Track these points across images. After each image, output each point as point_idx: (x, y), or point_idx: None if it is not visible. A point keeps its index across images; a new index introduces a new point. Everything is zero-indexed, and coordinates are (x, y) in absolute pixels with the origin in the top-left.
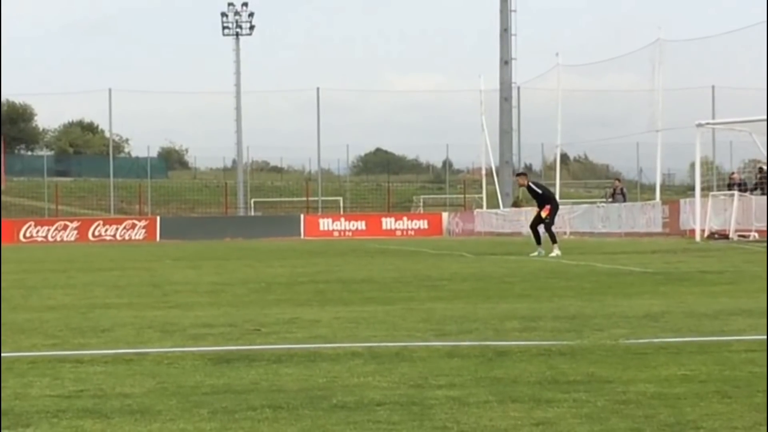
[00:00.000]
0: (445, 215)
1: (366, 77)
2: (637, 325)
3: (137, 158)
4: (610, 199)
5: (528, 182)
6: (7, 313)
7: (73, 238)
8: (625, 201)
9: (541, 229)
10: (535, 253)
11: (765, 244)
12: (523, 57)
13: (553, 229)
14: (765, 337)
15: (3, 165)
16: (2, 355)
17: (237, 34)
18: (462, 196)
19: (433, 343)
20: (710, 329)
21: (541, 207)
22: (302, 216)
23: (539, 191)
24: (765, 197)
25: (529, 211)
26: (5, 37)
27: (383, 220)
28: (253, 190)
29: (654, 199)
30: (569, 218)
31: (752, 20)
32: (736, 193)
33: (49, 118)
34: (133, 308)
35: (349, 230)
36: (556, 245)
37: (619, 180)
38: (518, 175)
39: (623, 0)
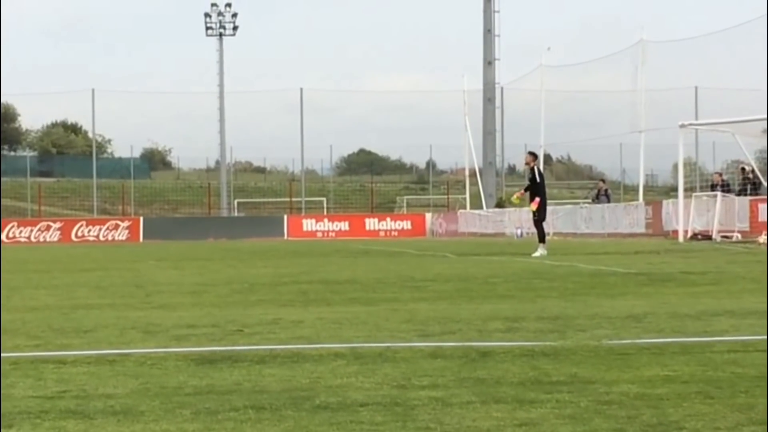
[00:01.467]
0: (428, 216)
1: (348, 78)
2: (620, 325)
3: (120, 159)
4: (595, 200)
5: (535, 165)
6: None
7: (56, 239)
8: (609, 202)
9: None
10: (538, 253)
11: (748, 245)
12: (506, 57)
13: (533, 229)
14: (748, 337)
15: None
16: None
17: (220, 35)
18: (445, 196)
19: (417, 344)
20: (693, 330)
21: (531, 198)
22: (285, 216)
23: (539, 180)
24: (748, 198)
25: (513, 212)
26: None
27: (367, 220)
28: (237, 191)
29: (637, 199)
30: (553, 219)
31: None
32: (719, 193)
33: (31, 118)
34: (116, 309)
35: (333, 231)
36: (543, 244)
37: (603, 181)
38: (529, 153)
39: (606, 1)
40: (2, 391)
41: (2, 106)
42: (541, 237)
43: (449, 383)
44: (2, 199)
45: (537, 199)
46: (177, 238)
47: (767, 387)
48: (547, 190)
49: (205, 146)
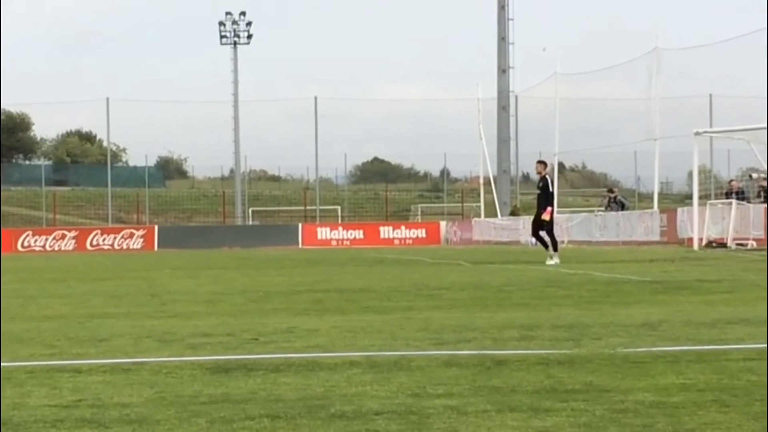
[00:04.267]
0: (443, 224)
1: (361, 86)
2: (635, 333)
3: (135, 167)
4: (607, 209)
5: (546, 173)
6: (5, 322)
7: (71, 248)
8: (624, 209)
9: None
10: (553, 261)
11: (764, 253)
12: (519, 65)
13: (548, 237)
14: (764, 345)
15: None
16: (0, 364)
17: (235, 43)
18: (460, 204)
19: (431, 352)
20: (708, 338)
21: (542, 207)
22: (300, 225)
23: (550, 189)
24: (763, 206)
25: (527, 220)
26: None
27: (381, 229)
28: (251, 200)
29: (652, 207)
30: (567, 227)
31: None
32: (734, 201)
33: (46, 127)
34: (131, 318)
35: (347, 239)
36: (556, 253)
37: (611, 190)
38: (539, 162)
39: (620, 9)
40: (18, 400)
41: (16, 115)
42: (555, 245)
43: (464, 392)
44: (17, 209)
45: (549, 209)
46: (192, 246)
47: (767, 391)
48: (560, 200)
49: (220, 155)
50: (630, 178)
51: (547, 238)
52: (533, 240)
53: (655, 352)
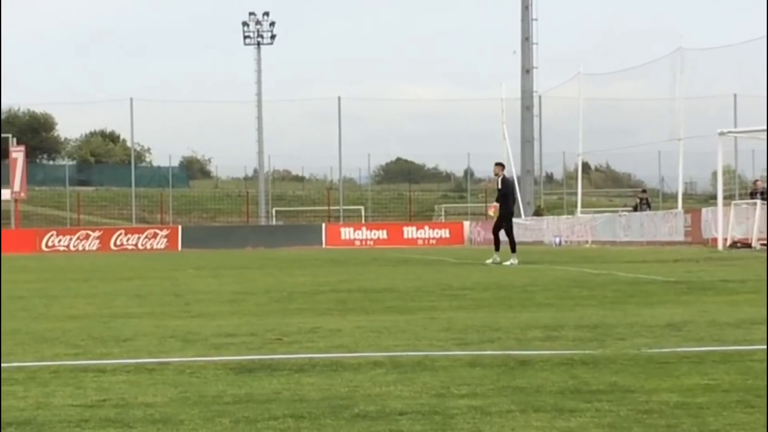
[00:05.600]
0: (466, 224)
1: (384, 86)
2: (659, 334)
3: (159, 167)
4: (639, 209)
5: (502, 174)
6: (29, 322)
7: (94, 248)
8: (649, 209)
9: (502, 234)
10: (489, 260)
11: None
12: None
13: (573, 237)
14: None
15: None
16: (24, 364)
17: (258, 44)
18: (483, 204)
19: (455, 353)
20: (733, 338)
21: (504, 207)
22: (324, 225)
23: (500, 187)
24: None
25: (551, 221)
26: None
27: (405, 229)
28: (275, 200)
29: (676, 207)
30: (591, 227)
31: None
32: (758, 201)
33: (70, 127)
34: (154, 317)
35: (371, 239)
36: (514, 254)
37: (644, 191)
38: (497, 164)
39: (644, 9)
40: (42, 400)
41: (40, 115)
42: (513, 245)
43: (488, 392)
44: (42, 209)
45: (496, 205)
46: (215, 246)
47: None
48: (584, 200)
49: (243, 155)
50: (654, 178)
51: (505, 238)
52: (557, 240)
53: (679, 353)
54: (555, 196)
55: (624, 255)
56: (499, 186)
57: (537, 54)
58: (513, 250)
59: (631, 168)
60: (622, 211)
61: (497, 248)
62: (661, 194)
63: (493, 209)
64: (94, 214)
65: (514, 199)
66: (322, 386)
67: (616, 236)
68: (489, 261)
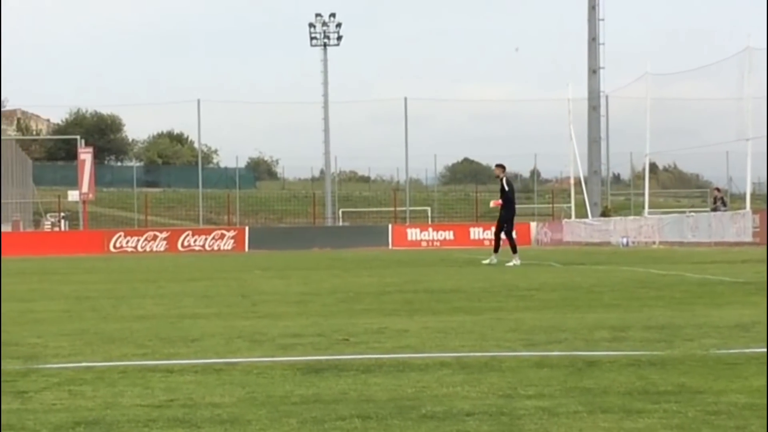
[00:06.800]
0: (533, 225)
1: (449, 87)
2: (727, 335)
3: (226, 169)
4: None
5: (504, 175)
6: (97, 322)
7: (162, 249)
8: (726, 209)
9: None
10: (487, 261)
11: None
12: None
13: (640, 238)
14: None
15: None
16: (92, 364)
17: (324, 45)
18: (550, 205)
19: (522, 353)
20: None
21: (505, 207)
22: (390, 226)
23: (507, 189)
24: None
25: (618, 221)
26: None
27: (471, 230)
28: (341, 200)
29: (744, 208)
30: (658, 227)
31: None
32: None
33: (138, 129)
34: (222, 318)
35: (437, 240)
36: (516, 255)
37: (718, 190)
38: (497, 165)
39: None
40: (111, 400)
41: (107, 117)
42: (514, 247)
43: (555, 393)
44: (109, 210)
45: (500, 201)
46: (282, 247)
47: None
48: (652, 200)
49: (310, 156)
50: (722, 178)
51: (505, 239)
52: (624, 240)
53: (748, 354)
54: (622, 196)
55: (692, 256)
56: (506, 187)
57: (604, 54)
58: (514, 251)
59: (699, 168)
60: (690, 211)
61: (497, 250)
62: (729, 194)
63: (495, 203)
64: (161, 215)
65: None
66: (389, 387)
67: (683, 237)
68: (486, 261)
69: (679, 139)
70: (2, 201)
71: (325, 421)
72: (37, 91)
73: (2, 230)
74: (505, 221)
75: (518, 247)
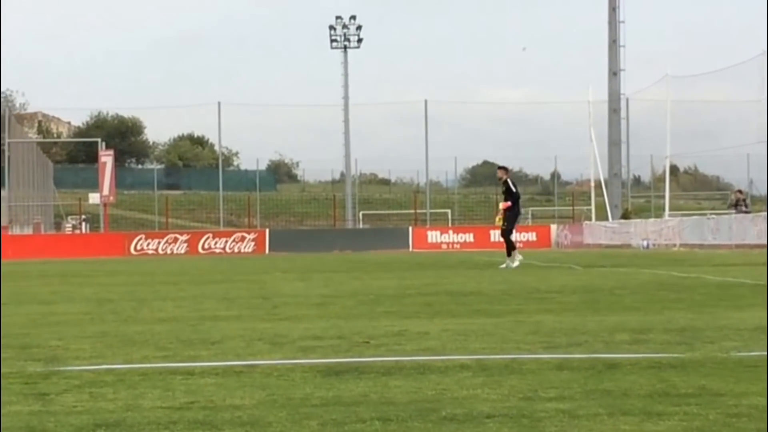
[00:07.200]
0: (553, 227)
1: (468, 89)
2: (748, 337)
3: (246, 171)
4: (734, 210)
5: (508, 177)
6: (118, 325)
7: (183, 251)
8: (748, 211)
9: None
10: (514, 263)
11: None
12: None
13: (661, 240)
14: None
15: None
16: (113, 366)
17: (345, 47)
18: (570, 208)
19: (543, 356)
20: None
21: (510, 209)
22: (410, 228)
23: (513, 190)
24: None
25: (639, 223)
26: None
27: (492, 232)
28: (362, 203)
29: (765, 210)
30: (679, 230)
31: None
32: None
33: (158, 131)
34: (242, 320)
35: (458, 242)
36: (514, 252)
37: (741, 191)
38: (500, 168)
39: (731, 10)
40: (131, 402)
41: (128, 119)
42: (510, 248)
43: (576, 395)
44: (130, 212)
45: (508, 203)
46: (302, 250)
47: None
48: (672, 203)
49: (330, 158)
50: (743, 180)
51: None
52: (645, 243)
53: None
54: (642, 199)
55: (712, 258)
56: (513, 188)
57: (624, 56)
58: (509, 253)
59: (720, 171)
60: (711, 213)
61: (509, 251)
62: (749, 197)
63: (504, 205)
64: (182, 218)
65: None
66: (410, 389)
67: (704, 239)
68: (513, 264)
69: (700, 142)
70: (24, 204)
71: (345, 424)
72: (58, 94)
73: (23, 233)
74: (511, 222)
75: (539, 250)
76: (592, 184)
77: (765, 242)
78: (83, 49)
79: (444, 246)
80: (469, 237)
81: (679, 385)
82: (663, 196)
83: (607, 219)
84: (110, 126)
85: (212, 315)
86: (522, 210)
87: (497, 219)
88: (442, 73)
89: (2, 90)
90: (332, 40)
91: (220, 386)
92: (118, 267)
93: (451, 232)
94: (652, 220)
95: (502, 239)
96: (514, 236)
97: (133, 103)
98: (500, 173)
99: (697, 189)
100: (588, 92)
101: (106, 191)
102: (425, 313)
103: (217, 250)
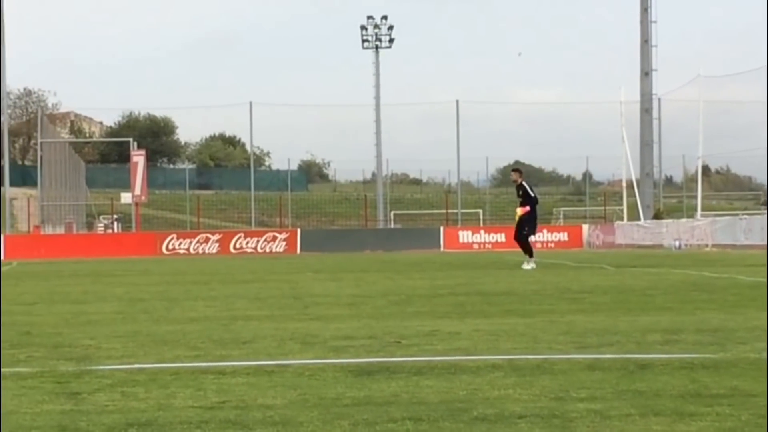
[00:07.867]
0: (585, 227)
1: (499, 89)
2: None
3: (278, 171)
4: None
5: (522, 180)
6: (150, 324)
7: (214, 251)
8: None
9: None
10: (530, 266)
11: None
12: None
13: (693, 241)
14: None
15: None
16: (145, 366)
17: (376, 47)
18: (602, 208)
19: (574, 356)
20: None
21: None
22: (442, 228)
23: (531, 194)
24: None
25: (671, 224)
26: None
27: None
28: (393, 203)
29: None
30: (711, 230)
31: None
32: None
33: (190, 131)
34: (274, 320)
35: (489, 242)
36: (531, 259)
37: None
38: (514, 170)
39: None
40: (163, 401)
41: (160, 119)
42: (529, 251)
43: (607, 395)
44: (162, 212)
45: (527, 207)
46: (334, 249)
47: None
48: (704, 203)
49: (362, 158)
50: None
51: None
52: (677, 243)
53: None
54: (674, 199)
55: (745, 258)
56: (531, 192)
57: (656, 56)
58: (530, 254)
59: (752, 171)
60: (743, 214)
61: (531, 253)
62: None
63: (522, 210)
64: (213, 218)
65: None
66: (441, 389)
67: (736, 240)
68: (528, 267)
69: (732, 142)
70: (57, 203)
71: (376, 423)
72: (90, 94)
73: (55, 232)
74: (526, 223)
75: (571, 250)
76: (624, 184)
77: None
78: (115, 50)
79: (475, 246)
80: (500, 237)
81: (711, 385)
82: (695, 197)
83: (638, 219)
84: (142, 126)
85: (243, 315)
86: (537, 212)
87: (520, 212)
88: (473, 74)
89: (34, 90)
90: (364, 41)
91: (251, 386)
92: (149, 267)
93: (482, 232)
94: (684, 220)
95: (518, 242)
96: (532, 238)
97: (165, 103)
98: (514, 176)
99: (729, 189)
100: (620, 92)
101: (137, 191)
102: (456, 313)
103: (249, 250)
